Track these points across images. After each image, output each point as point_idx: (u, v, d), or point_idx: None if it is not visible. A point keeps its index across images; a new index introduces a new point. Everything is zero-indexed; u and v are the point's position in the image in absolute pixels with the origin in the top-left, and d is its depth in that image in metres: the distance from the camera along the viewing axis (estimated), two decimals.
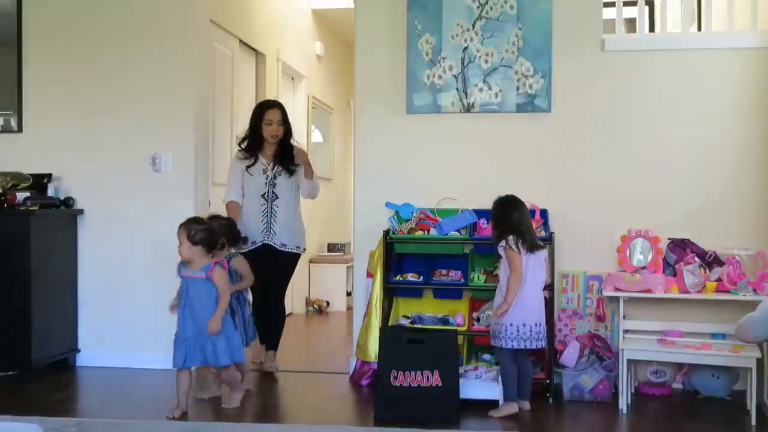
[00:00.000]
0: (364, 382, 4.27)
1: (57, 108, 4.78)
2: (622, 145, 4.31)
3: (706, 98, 4.26)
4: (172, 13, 4.66)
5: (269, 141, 4.52)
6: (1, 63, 4.86)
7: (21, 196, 4.43)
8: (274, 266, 4.46)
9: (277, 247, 4.47)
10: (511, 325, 3.66)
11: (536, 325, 3.68)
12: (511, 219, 3.71)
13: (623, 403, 3.78)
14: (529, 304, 3.67)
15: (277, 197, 4.49)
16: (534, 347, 3.70)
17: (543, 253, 3.77)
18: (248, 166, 4.50)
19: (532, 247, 3.69)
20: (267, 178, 4.50)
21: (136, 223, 4.69)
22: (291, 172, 4.54)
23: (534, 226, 3.89)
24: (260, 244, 4.44)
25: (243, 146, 4.58)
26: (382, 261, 4.22)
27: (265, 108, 4.58)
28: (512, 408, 3.69)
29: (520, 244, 3.67)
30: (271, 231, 4.46)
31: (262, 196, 4.48)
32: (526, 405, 3.76)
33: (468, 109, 4.36)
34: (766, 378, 3.73)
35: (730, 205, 4.22)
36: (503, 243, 3.71)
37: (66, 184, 4.76)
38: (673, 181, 4.27)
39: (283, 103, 6.54)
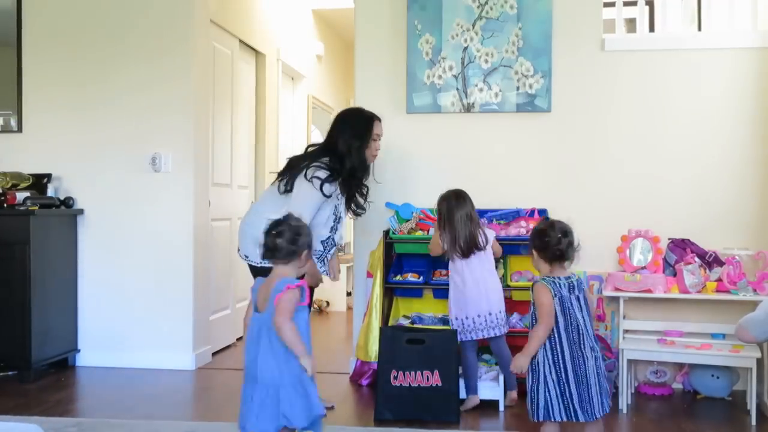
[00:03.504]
0: (364, 382, 4.27)
1: (57, 108, 4.78)
2: (622, 145, 4.31)
3: (706, 98, 4.26)
4: (173, 14, 4.66)
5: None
6: (1, 63, 4.86)
7: (21, 196, 4.43)
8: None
9: None
10: (456, 319, 3.78)
11: (478, 316, 3.74)
12: (452, 222, 3.73)
13: (623, 403, 3.78)
14: (468, 297, 3.75)
15: (334, 244, 3.77)
16: (480, 337, 3.74)
17: (485, 253, 3.79)
18: (326, 197, 3.60)
19: (466, 253, 3.72)
20: (334, 219, 3.71)
21: (136, 223, 4.69)
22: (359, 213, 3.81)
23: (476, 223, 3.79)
24: None
25: (330, 168, 3.58)
26: (382, 261, 4.22)
27: (372, 119, 3.74)
28: (473, 401, 3.74)
29: (454, 252, 3.73)
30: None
31: (323, 242, 3.71)
32: (513, 394, 3.80)
33: (468, 109, 4.36)
34: (766, 378, 3.73)
35: (730, 205, 4.22)
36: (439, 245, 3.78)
37: (66, 184, 4.76)
38: (673, 180, 4.27)
39: (282, 104, 6.61)
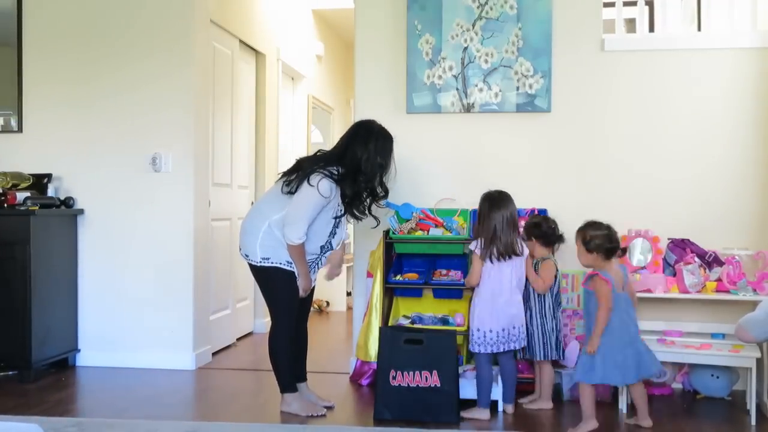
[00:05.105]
0: (364, 382, 4.27)
1: (57, 108, 4.78)
2: (622, 145, 4.31)
3: (705, 98, 4.26)
4: (172, 14, 4.67)
5: None
6: (1, 63, 4.86)
7: (21, 196, 4.44)
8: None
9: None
10: (479, 330, 3.67)
11: (503, 330, 3.66)
12: (491, 221, 3.67)
13: (623, 403, 3.78)
14: (499, 307, 3.67)
15: (330, 248, 3.77)
16: (500, 350, 3.68)
17: (518, 259, 3.73)
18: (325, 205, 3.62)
19: (502, 255, 3.66)
20: (334, 224, 3.71)
21: (136, 223, 4.69)
22: (358, 219, 3.82)
23: (516, 228, 3.77)
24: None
25: (345, 182, 3.61)
26: (382, 261, 4.22)
27: (392, 142, 3.76)
28: (483, 414, 3.64)
29: (486, 252, 3.66)
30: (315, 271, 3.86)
31: (321, 246, 3.74)
32: (508, 408, 3.75)
33: (468, 109, 4.36)
34: (766, 378, 3.73)
35: (729, 205, 4.22)
36: (473, 245, 3.71)
37: (66, 184, 4.76)
38: (673, 180, 4.27)
39: (282, 104, 6.62)
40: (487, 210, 3.69)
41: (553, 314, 3.79)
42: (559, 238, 3.86)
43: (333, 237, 3.74)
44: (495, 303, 3.67)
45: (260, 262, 3.65)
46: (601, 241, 3.46)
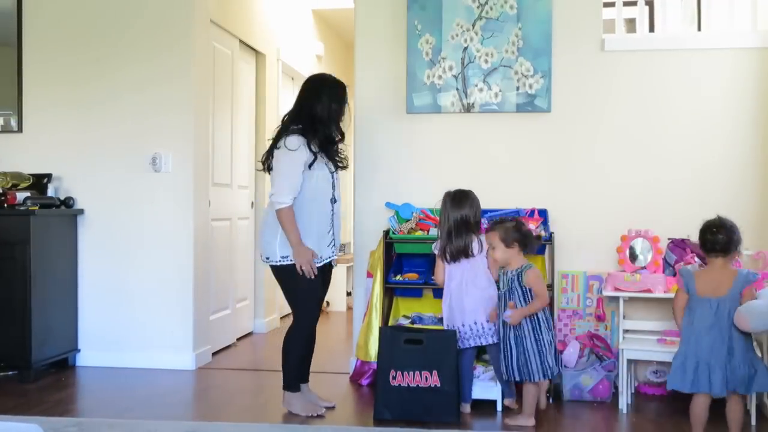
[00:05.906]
0: (364, 382, 4.27)
1: (57, 108, 4.79)
2: (622, 145, 4.31)
3: (705, 98, 4.26)
4: (172, 14, 4.67)
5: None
6: (1, 63, 4.86)
7: (21, 196, 4.44)
8: (324, 285, 3.89)
9: (333, 261, 3.86)
10: (449, 326, 3.76)
11: (475, 323, 3.71)
12: (448, 221, 3.72)
13: (623, 403, 3.78)
14: (466, 307, 3.72)
15: (336, 200, 3.75)
16: (473, 345, 3.73)
17: (473, 260, 3.73)
18: (312, 162, 3.60)
19: (454, 257, 3.70)
20: (333, 178, 3.72)
21: (136, 223, 4.69)
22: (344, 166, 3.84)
23: (473, 229, 3.74)
24: (327, 260, 3.77)
25: (307, 133, 3.61)
26: (382, 261, 4.22)
27: (344, 88, 3.78)
28: (463, 408, 3.72)
29: (441, 252, 3.74)
30: (335, 244, 3.79)
31: (331, 200, 3.73)
32: (508, 402, 3.79)
33: (468, 109, 4.36)
34: None
35: (729, 205, 4.20)
36: (434, 244, 3.80)
37: (66, 184, 4.76)
38: (673, 180, 4.27)
39: (282, 104, 6.61)
40: (446, 210, 3.75)
41: (512, 335, 3.54)
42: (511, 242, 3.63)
43: (334, 189, 3.72)
44: (455, 299, 3.75)
45: (279, 261, 3.65)
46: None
